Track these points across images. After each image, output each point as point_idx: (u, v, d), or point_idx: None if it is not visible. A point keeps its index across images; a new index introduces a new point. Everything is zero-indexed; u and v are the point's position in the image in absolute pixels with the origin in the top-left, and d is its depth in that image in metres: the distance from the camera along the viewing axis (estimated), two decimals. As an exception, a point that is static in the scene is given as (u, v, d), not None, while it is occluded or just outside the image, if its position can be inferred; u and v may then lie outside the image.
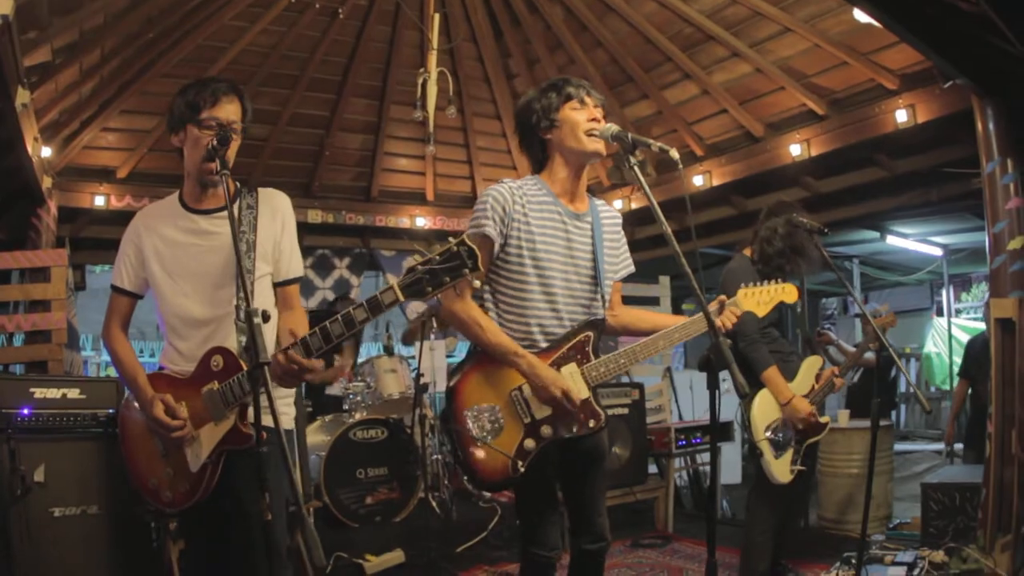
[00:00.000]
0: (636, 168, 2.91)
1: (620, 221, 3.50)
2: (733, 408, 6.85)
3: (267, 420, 2.46)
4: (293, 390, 3.23)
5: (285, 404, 3.12)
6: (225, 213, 2.92)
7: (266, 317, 2.45)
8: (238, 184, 3.16)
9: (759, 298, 3.42)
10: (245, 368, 2.75)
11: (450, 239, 2.48)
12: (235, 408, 2.82)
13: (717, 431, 3.02)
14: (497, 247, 3.13)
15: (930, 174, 7.09)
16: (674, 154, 2.86)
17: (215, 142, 2.81)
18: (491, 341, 3.08)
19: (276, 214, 3.15)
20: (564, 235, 3.23)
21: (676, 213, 8.82)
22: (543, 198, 3.23)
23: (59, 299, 6.31)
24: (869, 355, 5.34)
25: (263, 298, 3.07)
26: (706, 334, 3.10)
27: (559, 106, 3.25)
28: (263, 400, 2.36)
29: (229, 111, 2.99)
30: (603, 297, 3.29)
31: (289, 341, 2.70)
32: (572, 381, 3.08)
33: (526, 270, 3.15)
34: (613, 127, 3.10)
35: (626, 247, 3.50)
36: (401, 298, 2.51)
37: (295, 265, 3.20)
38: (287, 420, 3.12)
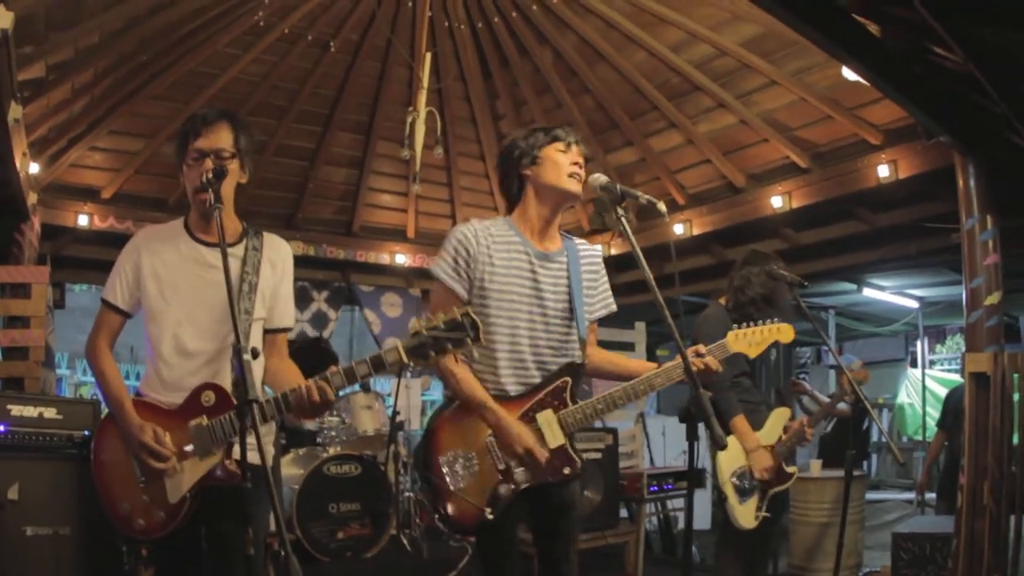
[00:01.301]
0: (623, 219, 2.95)
1: (599, 258, 3.48)
2: (705, 455, 6.88)
3: (252, 457, 2.46)
4: (274, 430, 3.23)
5: (267, 442, 3.09)
6: (232, 250, 2.94)
7: (255, 354, 2.47)
8: (245, 225, 3.17)
9: (750, 339, 3.37)
10: None
11: (455, 309, 2.58)
12: (223, 445, 2.80)
13: (694, 481, 3.03)
14: (464, 293, 3.15)
15: (910, 228, 7.18)
16: (661, 207, 2.92)
17: (209, 175, 2.79)
18: (463, 391, 3.09)
19: (278, 262, 3.17)
20: (531, 276, 3.22)
21: (655, 261, 8.82)
22: (511, 239, 3.24)
23: (38, 316, 6.26)
24: (842, 405, 5.39)
25: (255, 341, 3.07)
26: (683, 381, 3.12)
27: (544, 144, 3.26)
28: (246, 436, 2.38)
29: (213, 140, 2.97)
30: (581, 339, 3.28)
31: (281, 388, 2.76)
32: (548, 428, 3.09)
33: (489, 313, 3.15)
34: (602, 177, 3.10)
35: (606, 285, 3.48)
36: (405, 360, 2.59)
37: (288, 314, 3.23)
38: (269, 458, 3.08)
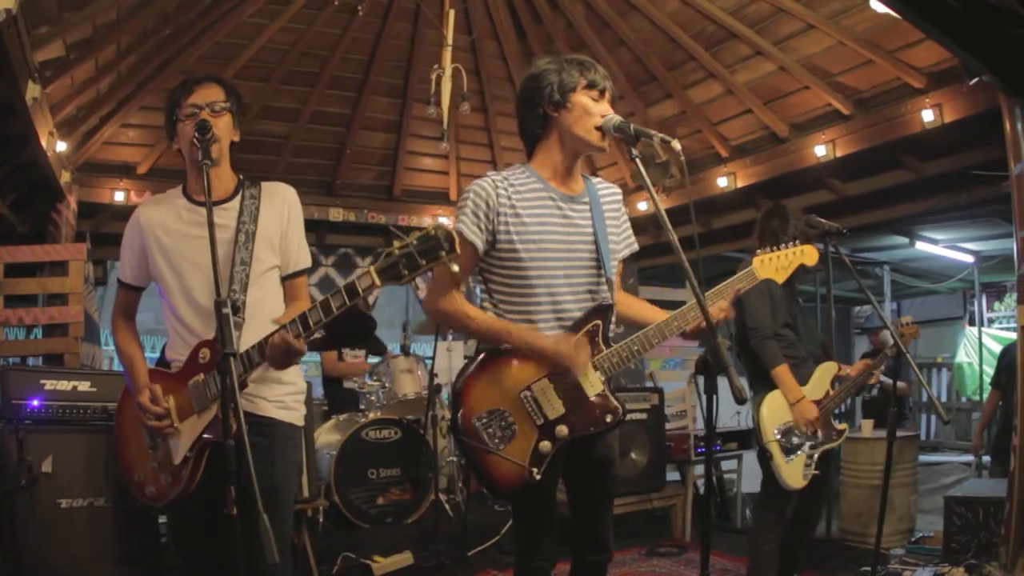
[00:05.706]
0: (637, 159, 2.82)
1: (619, 197, 3.30)
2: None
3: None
4: (303, 387, 3.19)
5: (294, 400, 3.10)
6: (228, 205, 3.01)
7: (236, 308, 2.42)
8: (240, 177, 3.15)
9: (777, 264, 3.22)
10: None
11: (428, 223, 2.44)
12: (217, 399, 2.76)
13: (712, 440, 2.90)
14: (481, 245, 2.99)
15: (959, 177, 6.92)
16: (676, 145, 2.75)
17: (196, 134, 2.80)
18: (481, 328, 2.97)
19: (282, 205, 3.12)
20: (562, 219, 3.06)
21: (702, 215, 8.74)
22: (533, 185, 3.08)
23: (76, 292, 6.34)
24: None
25: (271, 291, 3.05)
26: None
27: (577, 88, 3.06)
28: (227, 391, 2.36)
29: (205, 95, 2.99)
30: (609, 280, 3.12)
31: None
32: (585, 375, 2.93)
33: (523, 264, 2.99)
34: (616, 117, 2.97)
35: (628, 224, 3.32)
36: (377, 282, 2.48)
37: (303, 257, 3.17)
38: (296, 416, 3.10)
